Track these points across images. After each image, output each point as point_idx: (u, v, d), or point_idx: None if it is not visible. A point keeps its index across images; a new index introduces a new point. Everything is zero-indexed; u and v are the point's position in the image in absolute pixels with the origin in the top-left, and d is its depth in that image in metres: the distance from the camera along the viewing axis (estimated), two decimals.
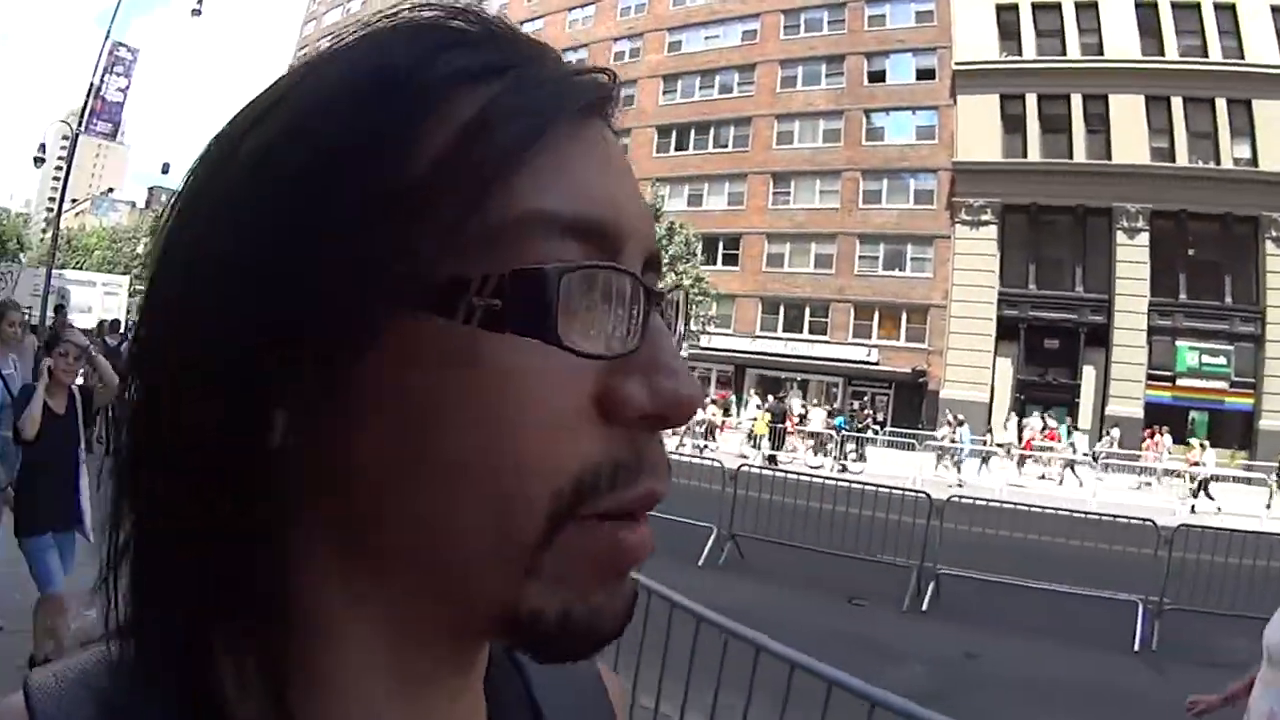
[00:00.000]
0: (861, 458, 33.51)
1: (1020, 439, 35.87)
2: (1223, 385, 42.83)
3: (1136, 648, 10.60)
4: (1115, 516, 14.06)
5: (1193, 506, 26.89)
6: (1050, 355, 44.76)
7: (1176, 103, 44.01)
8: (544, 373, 0.54)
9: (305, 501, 0.56)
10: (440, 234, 0.54)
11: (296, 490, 0.55)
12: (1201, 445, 32.17)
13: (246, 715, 0.56)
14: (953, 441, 33.21)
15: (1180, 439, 36.98)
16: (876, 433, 37.93)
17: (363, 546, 0.57)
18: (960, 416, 35.50)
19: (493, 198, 0.55)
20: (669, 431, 0.53)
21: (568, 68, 0.63)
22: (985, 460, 32.78)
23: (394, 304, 0.53)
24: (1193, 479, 30.53)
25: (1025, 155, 44.84)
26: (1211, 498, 29.24)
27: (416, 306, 0.53)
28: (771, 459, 28.80)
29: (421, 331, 0.54)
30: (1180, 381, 42.95)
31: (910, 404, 44.40)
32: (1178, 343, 43.15)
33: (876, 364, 46.86)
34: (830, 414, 37.86)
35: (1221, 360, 42.76)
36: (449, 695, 0.66)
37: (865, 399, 44.08)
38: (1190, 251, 43.91)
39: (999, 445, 34.93)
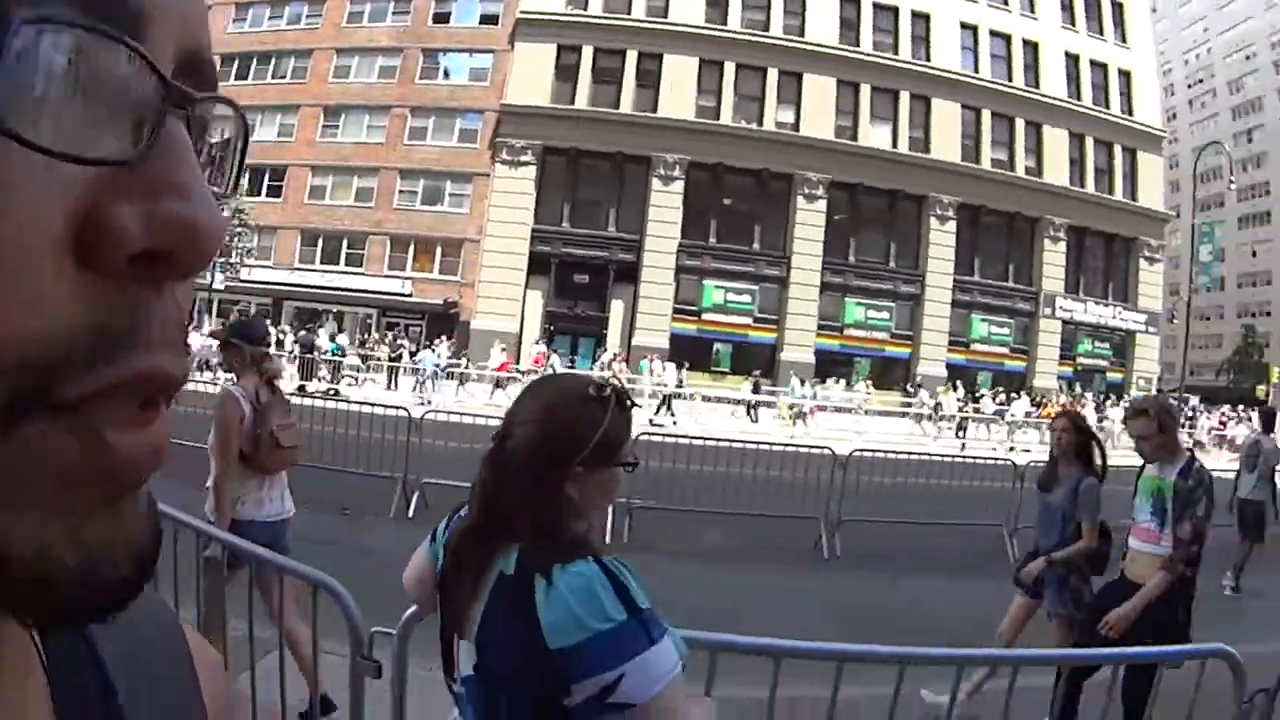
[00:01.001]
0: (392, 386, 34.44)
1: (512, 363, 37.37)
2: (747, 321, 44.66)
3: (607, 540, 11.25)
4: None
5: (650, 420, 28.53)
6: (580, 289, 44.69)
7: (730, 67, 45.57)
8: None
9: None
10: None
11: None
12: (664, 368, 36.36)
13: None
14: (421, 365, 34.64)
15: (705, 367, 42.05)
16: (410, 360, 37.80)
17: None
18: (428, 342, 38.25)
19: None
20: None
21: None
22: (463, 382, 34.86)
23: None
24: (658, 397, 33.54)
25: (573, 103, 44.55)
26: (673, 414, 32.26)
27: None
28: (301, 388, 28.39)
29: None
30: (706, 317, 44.38)
31: (443, 334, 41.86)
32: (705, 282, 44.24)
33: (410, 295, 45.24)
34: (332, 338, 38.28)
35: (747, 299, 44.53)
36: None
37: (398, 329, 43.99)
38: (726, 201, 45.34)
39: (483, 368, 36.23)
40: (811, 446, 14.80)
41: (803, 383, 37.42)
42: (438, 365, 34.23)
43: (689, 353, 41.59)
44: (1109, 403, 43.72)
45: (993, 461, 16.12)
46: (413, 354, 38.38)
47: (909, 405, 40.49)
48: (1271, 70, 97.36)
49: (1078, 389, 48.40)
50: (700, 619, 8.53)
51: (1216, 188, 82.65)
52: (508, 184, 44.14)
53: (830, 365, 44.07)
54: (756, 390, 36.20)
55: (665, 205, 43.92)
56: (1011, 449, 30.22)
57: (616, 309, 44.31)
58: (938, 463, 16.30)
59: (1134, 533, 5.97)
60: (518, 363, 37.14)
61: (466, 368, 36.07)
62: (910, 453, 16.66)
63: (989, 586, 10.48)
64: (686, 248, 44.13)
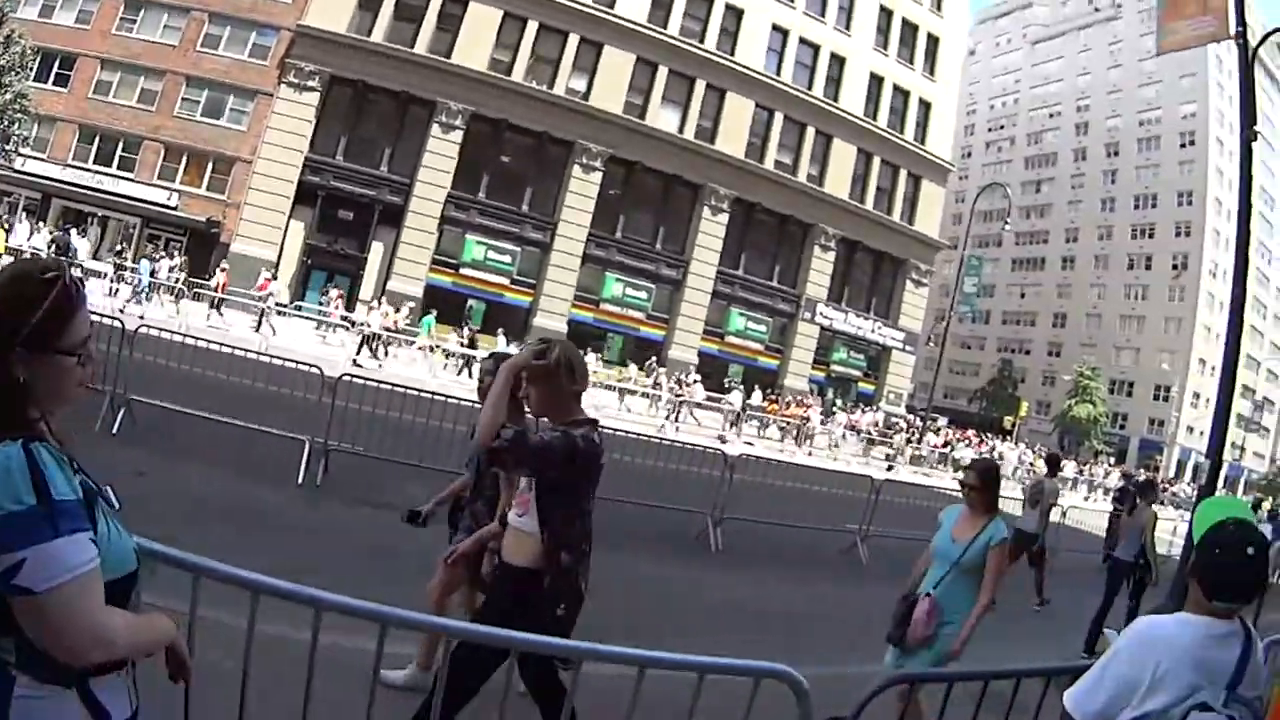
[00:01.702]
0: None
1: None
2: (505, 281, 44.68)
3: (300, 482, 11.51)
4: (285, 361, 14.83)
5: (355, 360, 29.32)
6: (344, 226, 43.84)
7: (532, 26, 45.18)
8: None
9: None
10: None
11: None
12: (370, 309, 36.13)
13: None
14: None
15: (456, 322, 39.80)
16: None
17: None
18: (158, 254, 37.18)
19: None
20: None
21: None
22: (178, 299, 33.80)
23: None
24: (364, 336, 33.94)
25: (370, 35, 43.42)
26: (376, 356, 32.74)
27: None
28: None
29: None
30: (464, 271, 44.17)
31: (202, 253, 40.51)
32: (468, 236, 43.94)
33: (176, 209, 43.61)
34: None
35: (508, 259, 44.43)
36: None
37: (160, 242, 42.65)
38: (504, 158, 45.18)
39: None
40: None
41: (509, 342, 37.29)
42: (153, 277, 33.26)
43: (443, 306, 41.10)
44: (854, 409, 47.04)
45: (702, 449, 15.92)
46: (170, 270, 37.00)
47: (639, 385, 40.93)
48: (1073, 131, 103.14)
49: (829, 395, 49.51)
50: (351, 567, 8.44)
51: (996, 227, 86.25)
52: (289, 108, 43.02)
53: (585, 338, 44.13)
54: (473, 345, 36.09)
55: (441, 153, 43.60)
56: (722, 439, 30.27)
57: (376, 251, 43.70)
58: (652, 444, 15.85)
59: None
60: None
61: (184, 283, 35.07)
62: (625, 431, 16.12)
63: (687, 571, 12.01)
64: (455, 199, 43.82)
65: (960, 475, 6.96)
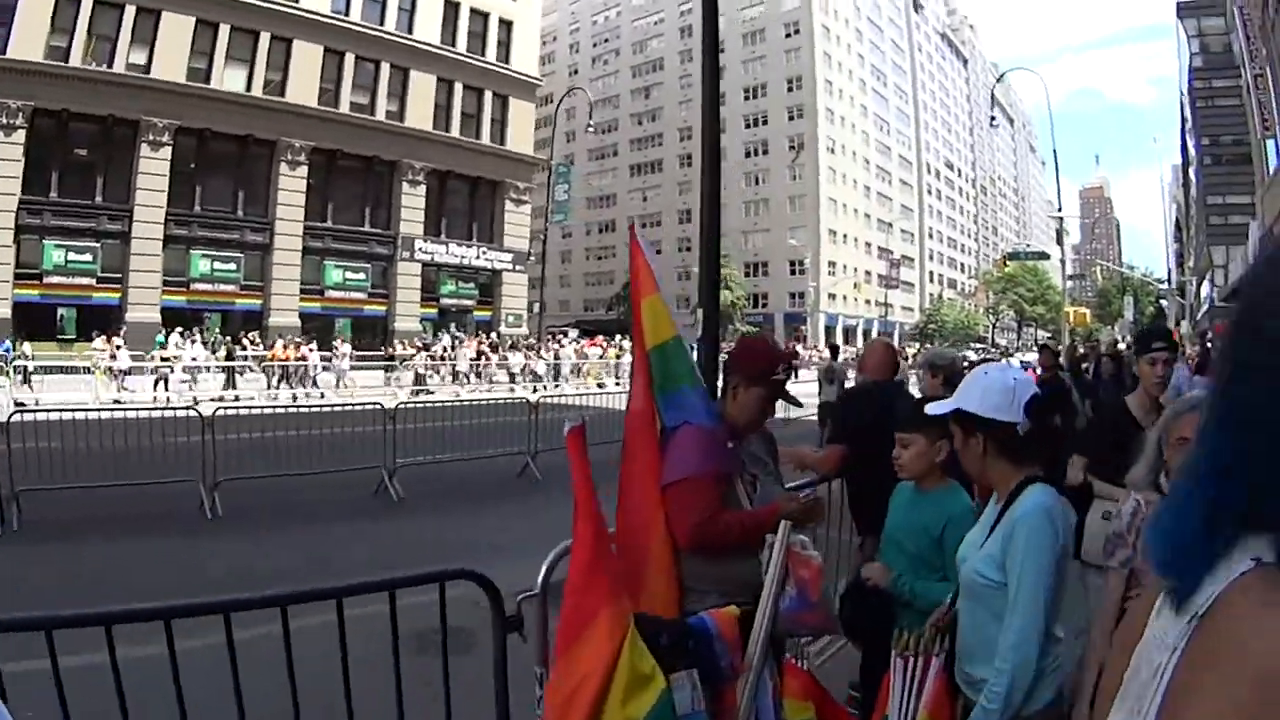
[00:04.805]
0: None
1: None
2: (90, 282, 45.79)
3: None
4: None
5: None
6: None
7: (87, 4, 44.75)
8: None
9: None
10: None
11: None
12: None
13: None
14: None
15: (50, 335, 41.20)
16: None
17: None
18: None
19: None
20: None
21: None
22: None
23: None
24: None
25: None
26: None
27: None
28: None
29: None
30: (48, 279, 45.45)
31: None
32: (45, 241, 45.47)
33: None
34: None
35: (89, 258, 45.89)
36: None
37: None
38: (74, 150, 46.17)
39: None
40: None
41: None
42: None
43: (33, 322, 42.39)
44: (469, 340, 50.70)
45: (180, 414, 15.47)
46: None
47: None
48: (676, 34, 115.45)
49: (453, 329, 55.63)
50: None
51: (611, 139, 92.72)
52: None
53: (181, 324, 45.78)
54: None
55: (5, 158, 42.94)
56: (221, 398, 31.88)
57: None
58: (121, 420, 14.66)
59: None
60: None
61: None
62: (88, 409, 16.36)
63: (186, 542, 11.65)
64: (27, 204, 44.09)
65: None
